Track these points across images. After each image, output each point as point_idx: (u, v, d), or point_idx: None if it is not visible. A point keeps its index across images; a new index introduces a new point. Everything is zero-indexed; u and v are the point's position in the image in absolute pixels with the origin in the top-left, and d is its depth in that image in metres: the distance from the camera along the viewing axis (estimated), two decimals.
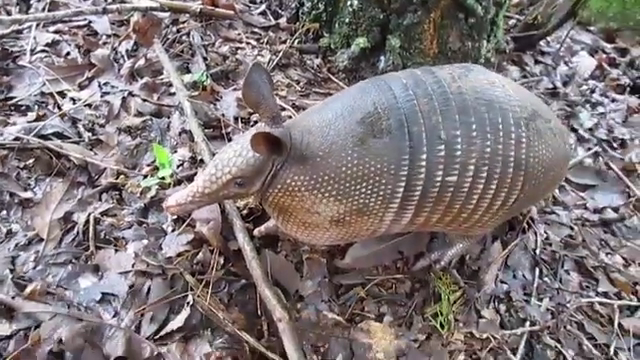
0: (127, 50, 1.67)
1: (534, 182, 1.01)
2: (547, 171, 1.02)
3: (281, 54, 1.73)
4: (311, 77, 1.72)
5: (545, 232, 1.43)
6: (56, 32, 1.67)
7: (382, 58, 1.70)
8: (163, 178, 1.28)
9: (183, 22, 1.81)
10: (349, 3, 1.65)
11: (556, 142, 1.04)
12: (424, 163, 0.94)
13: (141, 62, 1.63)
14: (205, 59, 1.68)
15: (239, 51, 1.76)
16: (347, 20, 1.68)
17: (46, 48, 1.61)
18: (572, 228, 1.47)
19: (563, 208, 1.53)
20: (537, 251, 1.36)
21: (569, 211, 1.52)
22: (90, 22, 1.73)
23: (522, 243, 1.37)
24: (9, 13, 1.75)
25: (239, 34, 1.83)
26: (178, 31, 1.77)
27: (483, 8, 1.66)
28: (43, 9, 1.76)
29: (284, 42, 1.81)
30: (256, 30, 1.88)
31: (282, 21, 1.91)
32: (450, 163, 0.95)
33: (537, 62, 2.18)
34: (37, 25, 1.65)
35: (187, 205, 0.98)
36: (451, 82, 0.99)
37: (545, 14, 2.15)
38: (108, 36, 1.72)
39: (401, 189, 0.95)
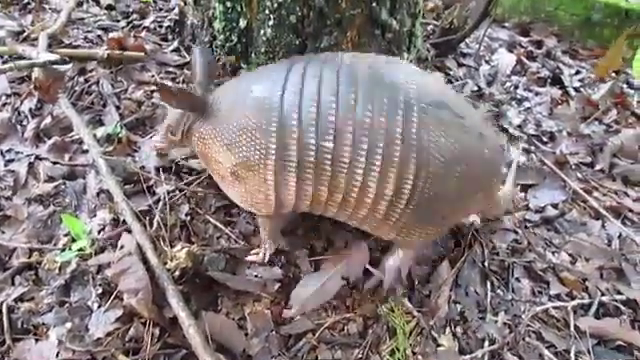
0: (30, 109, 1.54)
1: (432, 171, 0.98)
2: (449, 164, 0.99)
3: None
4: None
5: (491, 241, 1.41)
6: None
7: None
8: (82, 249, 1.17)
9: (90, 70, 1.70)
10: (262, 32, 1.59)
11: (466, 139, 1.01)
12: (294, 122, 0.98)
13: (47, 121, 1.51)
14: (118, 108, 1.58)
15: (155, 94, 1.66)
16: (263, 49, 1.62)
17: None
18: (516, 232, 1.46)
19: (506, 212, 1.52)
20: (485, 263, 1.34)
21: (511, 214, 1.51)
22: None
23: (470, 258, 1.34)
24: None
25: (153, 76, 1.74)
26: (86, 81, 1.66)
27: (398, 22, 1.64)
28: None
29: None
30: (170, 69, 1.79)
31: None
32: (324, 127, 0.97)
33: (460, 65, 2.19)
34: None
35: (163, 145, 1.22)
36: (361, 60, 1.04)
37: (460, 17, 2.17)
38: (7, 96, 1.59)
39: (273, 145, 1.00)
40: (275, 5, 1.52)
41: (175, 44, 1.89)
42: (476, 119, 1.09)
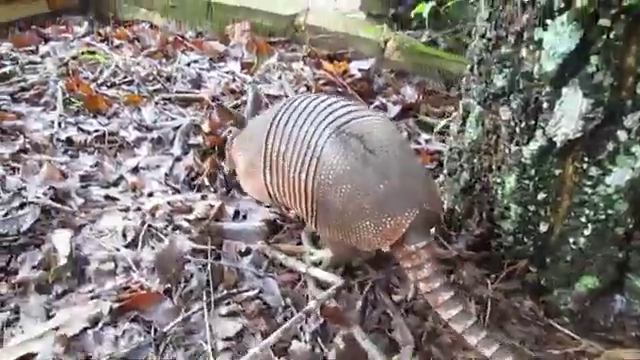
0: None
1: (323, 178, 1.24)
2: (336, 180, 1.23)
3: (489, 305, 1.44)
4: (535, 331, 1.41)
5: None
6: None
7: (618, 298, 1.39)
8: None
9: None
10: (571, 240, 1.38)
11: (360, 169, 1.22)
12: (271, 139, 1.36)
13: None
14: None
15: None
16: (569, 257, 1.40)
17: None
18: None
19: None
20: None
21: None
22: None
23: None
24: None
25: None
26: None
27: None
28: None
29: (480, 282, 1.53)
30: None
31: (460, 247, 1.65)
32: (284, 140, 1.33)
33: None
34: None
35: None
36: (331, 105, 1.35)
37: None
38: None
39: (262, 152, 1.37)
40: (600, 215, 1.31)
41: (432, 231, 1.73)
42: (383, 165, 1.23)
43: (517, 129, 1.36)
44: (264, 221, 1.65)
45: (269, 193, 1.42)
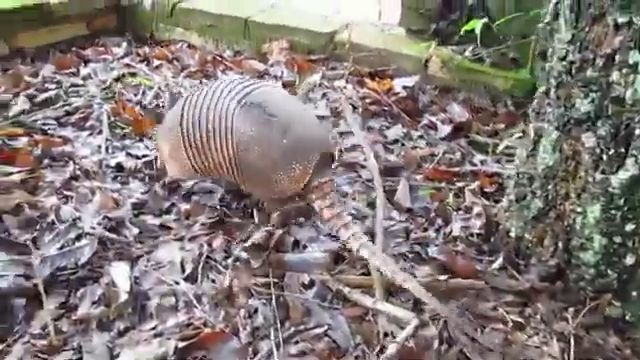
0: None
1: (240, 145, 1.48)
2: (247, 145, 1.47)
3: (572, 343, 1.35)
4: None
5: None
6: None
7: None
8: None
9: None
10: None
11: (266, 130, 1.47)
12: (185, 123, 1.57)
13: None
14: None
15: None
16: None
17: None
18: None
19: None
20: None
21: None
22: None
23: None
24: None
25: (495, 307, 1.48)
26: None
27: None
28: None
29: (559, 316, 1.44)
30: (510, 298, 1.52)
31: (532, 278, 1.57)
32: (197, 122, 1.54)
33: None
34: None
35: None
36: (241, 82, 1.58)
37: None
38: None
39: (180, 136, 1.58)
40: None
41: (499, 260, 1.64)
42: (283, 124, 1.48)
43: (604, 156, 1.28)
44: (326, 251, 1.59)
45: (195, 170, 1.62)
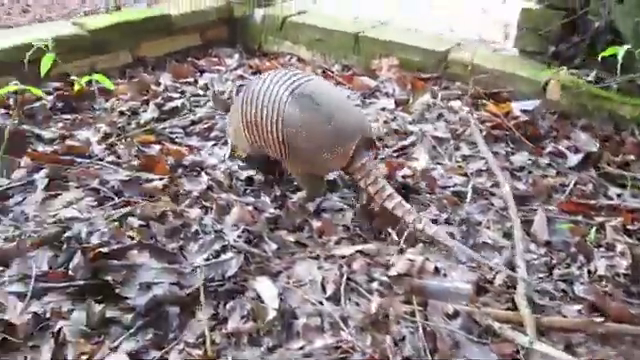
0: None
1: (288, 128, 1.74)
2: (298, 128, 1.73)
3: None
4: None
5: None
6: None
7: None
8: None
9: None
10: None
11: (313, 116, 1.73)
12: (247, 108, 1.85)
13: None
14: None
15: None
16: None
17: None
18: None
19: None
20: None
21: None
22: None
23: None
24: None
25: None
26: None
27: None
28: None
29: None
30: None
31: None
32: (254, 107, 1.82)
33: None
34: None
35: None
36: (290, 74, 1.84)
37: None
38: None
39: (242, 119, 1.87)
40: None
41: None
42: (330, 111, 1.74)
43: None
44: (468, 282, 1.55)
45: (252, 146, 1.91)
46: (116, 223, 1.63)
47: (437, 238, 1.66)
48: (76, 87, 2.22)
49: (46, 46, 2.00)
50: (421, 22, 3.52)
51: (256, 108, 1.79)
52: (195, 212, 1.76)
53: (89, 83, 2.21)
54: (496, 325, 1.41)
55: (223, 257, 1.57)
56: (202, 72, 3.12)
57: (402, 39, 3.14)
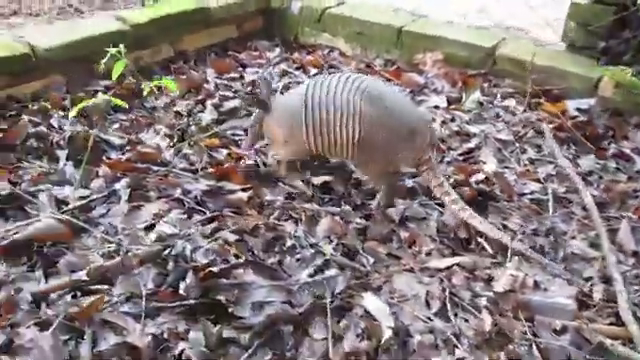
0: None
1: (367, 128, 1.79)
2: (376, 128, 1.79)
3: None
4: None
5: None
6: None
7: None
8: None
9: None
10: None
11: (387, 118, 1.80)
12: (310, 110, 1.85)
13: None
14: None
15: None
16: None
17: None
18: None
19: None
20: None
21: None
22: None
23: None
24: None
25: None
26: None
27: None
28: None
29: None
30: None
31: None
32: (323, 108, 1.83)
33: None
34: None
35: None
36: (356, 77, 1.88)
37: None
38: None
39: (303, 121, 1.86)
40: None
41: None
42: (399, 109, 1.84)
43: None
44: (569, 296, 1.57)
45: (311, 150, 1.91)
46: (219, 240, 1.61)
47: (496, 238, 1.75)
48: (145, 91, 2.17)
49: (119, 52, 1.94)
50: (460, 14, 3.49)
51: (327, 113, 1.81)
52: (286, 224, 1.75)
53: (158, 88, 2.17)
54: (608, 342, 1.43)
55: (328, 273, 1.57)
56: (244, 66, 3.07)
57: (447, 33, 3.11)
